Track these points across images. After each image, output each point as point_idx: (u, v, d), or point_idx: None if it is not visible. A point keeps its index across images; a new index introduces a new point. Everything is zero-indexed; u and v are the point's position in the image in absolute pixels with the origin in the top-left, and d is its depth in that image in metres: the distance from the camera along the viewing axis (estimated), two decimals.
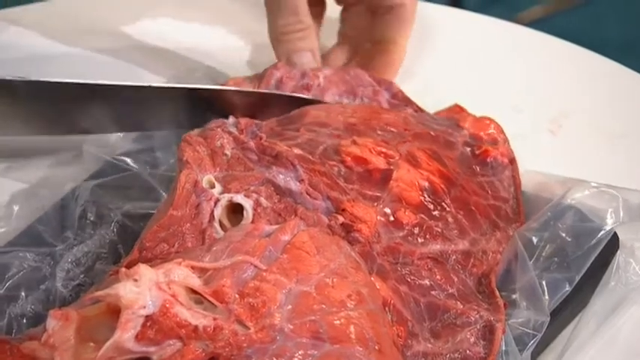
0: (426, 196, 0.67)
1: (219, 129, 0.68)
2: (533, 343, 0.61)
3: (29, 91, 0.72)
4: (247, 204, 0.62)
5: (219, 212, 0.62)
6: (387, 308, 0.59)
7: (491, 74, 0.92)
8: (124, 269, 0.53)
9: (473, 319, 0.62)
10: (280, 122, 0.73)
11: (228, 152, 0.66)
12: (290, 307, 0.53)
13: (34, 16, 0.99)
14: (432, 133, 0.73)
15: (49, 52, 0.92)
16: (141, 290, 0.51)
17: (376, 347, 0.54)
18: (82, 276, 0.66)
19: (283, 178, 0.64)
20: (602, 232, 0.66)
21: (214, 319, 0.52)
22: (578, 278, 0.64)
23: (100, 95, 0.74)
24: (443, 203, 0.67)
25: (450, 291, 0.63)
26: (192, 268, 0.55)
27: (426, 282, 0.63)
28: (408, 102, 0.81)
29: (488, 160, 0.73)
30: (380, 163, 0.67)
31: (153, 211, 0.68)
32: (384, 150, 0.68)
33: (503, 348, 0.61)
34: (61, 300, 0.64)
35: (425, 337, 0.60)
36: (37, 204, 0.72)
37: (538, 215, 0.68)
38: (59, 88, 0.73)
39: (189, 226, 0.61)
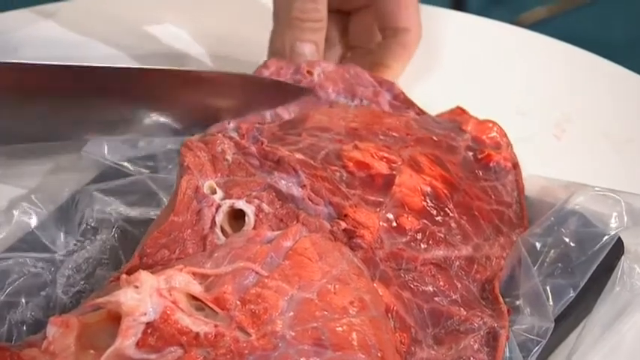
0: (428, 201, 0.66)
1: (220, 134, 0.68)
2: (538, 349, 0.61)
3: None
4: (249, 210, 0.62)
5: (220, 218, 0.62)
6: (389, 315, 0.59)
7: (495, 77, 0.92)
8: (124, 276, 0.53)
9: (476, 325, 0.61)
10: (282, 127, 0.73)
11: (229, 157, 0.65)
12: (292, 313, 0.53)
13: (56, 14, 0.99)
14: (435, 137, 0.73)
15: (68, 50, 0.92)
16: (142, 297, 0.52)
17: (379, 354, 0.53)
18: (82, 282, 0.66)
19: (285, 183, 0.64)
20: (607, 238, 0.66)
21: (215, 325, 0.52)
22: (582, 284, 0.64)
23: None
24: (446, 208, 0.67)
25: (454, 297, 0.63)
26: (194, 274, 0.55)
27: (429, 288, 0.63)
28: (409, 104, 0.81)
29: (491, 164, 0.73)
30: (382, 168, 0.67)
31: (154, 217, 0.68)
32: (386, 155, 0.68)
33: (507, 355, 0.60)
34: (62, 307, 0.64)
35: (428, 344, 0.60)
36: (37, 210, 0.71)
37: (541, 220, 0.68)
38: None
39: (191, 232, 0.61)
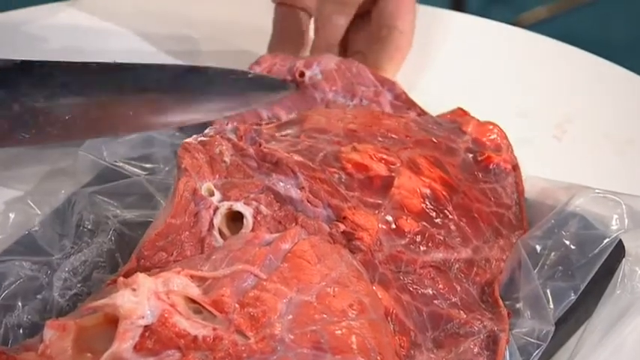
0: (427, 203, 0.66)
1: (217, 135, 0.67)
2: (538, 353, 0.61)
3: None
4: (247, 212, 0.62)
5: (218, 220, 0.61)
6: (389, 318, 0.59)
7: (495, 78, 0.92)
8: (121, 278, 0.53)
9: (476, 328, 0.61)
10: (280, 128, 0.73)
11: (227, 159, 0.65)
12: (290, 316, 0.53)
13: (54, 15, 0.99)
14: (434, 139, 0.73)
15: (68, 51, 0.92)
16: (139, 300, 0.51)
17: (378, 358, 0.53)
18: (79, 285, 0.66)
19: (283, 185, 0.64)
20: (607, 240, 0.65)
21: (214, 329, 0.52)
22: (582, 287, 0.64)
23: None
24: (445, 210, 0.67)
25: (453, 300, 0.63)
26: (192, 277, 0.55)
27: (429, 291, 0.62)
28: (411, 104, 0.80)
29: (490, 166, 0.73)
30: (381, 169, 0.67)
31: (151, 219, 0.67)
32: (384, 156, 0.68)
33: (507, 358, 0.60)
34: (58, 310, 0.64)
35: (428, 348, 0.60)
36: (33, 212, 0.71)
37: (542, 223, 0.67)
38: None
39: (188, 235, 0.61)
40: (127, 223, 0.70)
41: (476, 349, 0.60)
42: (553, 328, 0.61)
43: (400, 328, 0.59)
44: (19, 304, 0.64)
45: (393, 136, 0.72)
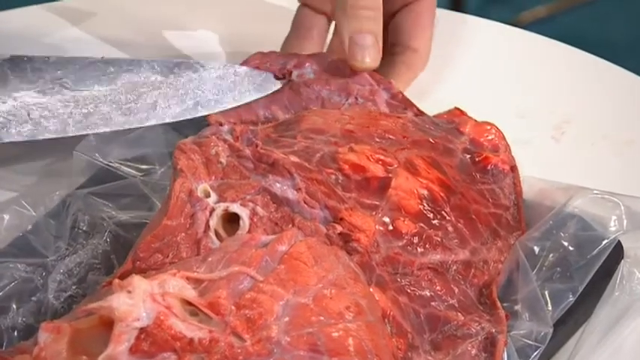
0: (425, 204, 0.66)
1: (213, 136, 0.67)
2: (536, 355, 0.60)
3: None
4: (243, 213, 0.62)
5: (214, 222, 0.61)
6: (386, 320, 0.59)
7: (493, 79, 0.91)
8: (117, 280, 0.53)
9: (474, 330, 0.61)
10: (276, 128, 0.73)
11: (223, 160, 0.65)
12: (287, 319, 0.53)
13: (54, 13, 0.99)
14: (431, 140, 0.72)
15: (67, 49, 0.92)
16: (135, 302, 0.51)
17: None
18: (74, 287, 0.66)
19: (280, 186, 0.63)
20: (606, 241, 0.65)
21: (210, 331, 0.51)
22: (581, 288, 0.63)
23: None
24: (442, 212, 0.66)
25: (451, 302, 0.63)
26: (188, 279, 0.55)
27: (426, 293, 0.62)
28: (408, 104, 0.80)
29: (488, 167, 0.72)
30: (378, 170, 0.66)
31: (147, 221, 0.67)
32: (382, 157, 0.67)
33: None
34: (53, 312, 0.64)
35: (425, 350, 0.60)
36: (27, 213, 0.71)
37: (540, 224, 0.67)
38: None
39: (184, 236, 0.61)
40: (123, 225, 0.70)
41: (474, 351, 0.60)
42: (551, 330, 0.61)
43: (397, 330, 0.59)
44: (14, 306, 0.64)
45: (391, 136, 0.72)
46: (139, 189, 0.72)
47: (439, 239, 0.65)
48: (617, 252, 0.66)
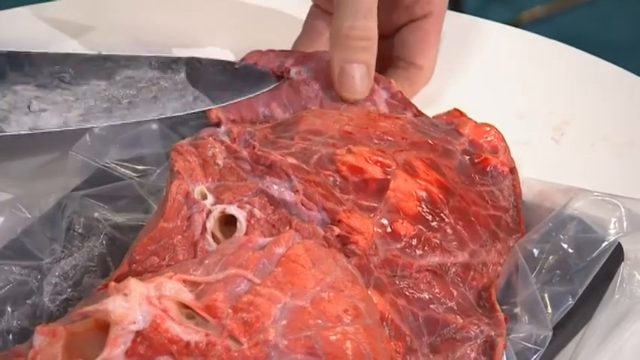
0: (423, 206, 0.66)
1: (210, 138, 0.67)
2: (536, 358, 0.60)
3: None
4: (240, 215, 0.62)
5: (211, 224, 0.61)
6: (384, 323, 0.58)
7: (492, 80, 0.91)
8: (113, 283, 0.53)
9: (473, 333, 0.61)
10: (274, 130, 0.73)
11: (220, 162, 0.65)
12: (284, 322, 0.53)
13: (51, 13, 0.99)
14: (430, 141, 0.72)
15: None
16: (131, 305, 0.51)
17: None
18: (69, 290, 0.65)
19: (277, 188, 0.63)
20: (606, 243, 0.65)
21: (206, 334, 0.51)
22: (581, 291, 0.63)
23: None
24: (441, 214, 0.66)
25: (450, 305, 0.62)
26: (184, 282, 0.54)
27: (425, 295, 0.62)
28: (407, 104, 0.79)
29: (488, 169, 0.72)
30: (376, 172, 0.66)
31: (143, 223, 0.67)
32: (380, 159, 0.67)
33: None
34: (48, 315, 0.63)
35: (424, 353, 0.59)
36: (22, 215, 0.71)
37: (539, 226, 0.67)
38: None
39: (181, 239, 0.60)
40: (119, 227, 0.70)
41: (473, 355, 0.60)
42: (551, 333, 0.61)
43: (396, 333, 0.59)
44: (9, 309, 0.63)
45: (389, 138, 0.71)
46: (135, 191, 0.72)
47: (438, 241, 0.65)
48: (617, 254, 0.65)
